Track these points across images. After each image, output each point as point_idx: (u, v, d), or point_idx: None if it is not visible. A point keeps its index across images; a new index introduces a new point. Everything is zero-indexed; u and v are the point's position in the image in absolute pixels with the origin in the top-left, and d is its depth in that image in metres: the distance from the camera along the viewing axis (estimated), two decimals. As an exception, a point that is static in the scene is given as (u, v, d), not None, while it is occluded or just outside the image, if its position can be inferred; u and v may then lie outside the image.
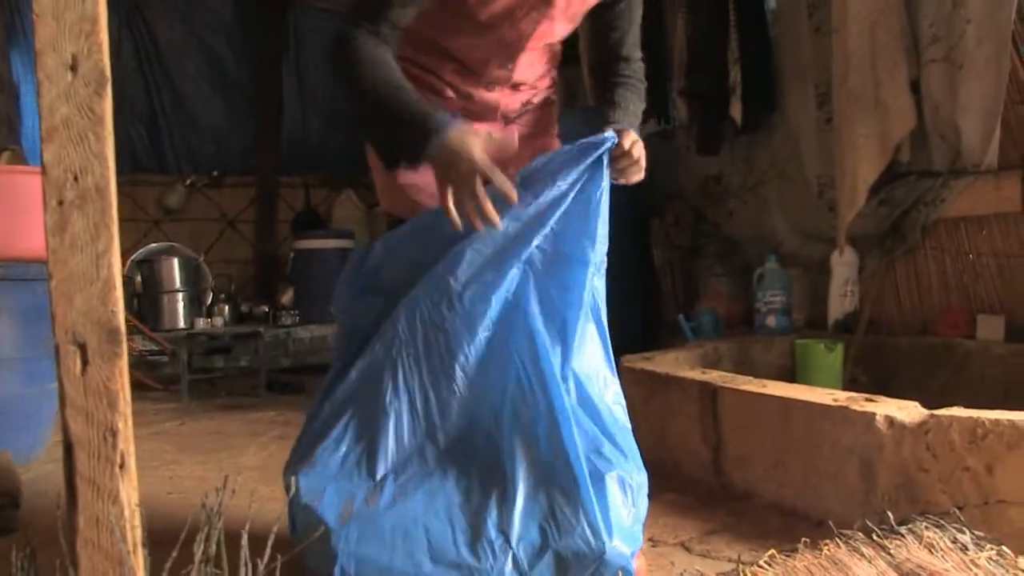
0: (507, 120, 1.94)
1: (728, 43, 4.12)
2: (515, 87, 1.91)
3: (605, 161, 1.66)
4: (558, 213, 1.63)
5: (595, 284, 1.67)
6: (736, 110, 4.09)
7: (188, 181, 6.24)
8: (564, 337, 1.64)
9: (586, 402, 1.65)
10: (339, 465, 1.61)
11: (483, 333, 1.62)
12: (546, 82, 2.01)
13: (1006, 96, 3.10)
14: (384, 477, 1.60)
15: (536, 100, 1.99)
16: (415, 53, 1.82)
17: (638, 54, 1.96)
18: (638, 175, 1.74)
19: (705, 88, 4.18)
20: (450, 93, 1.86)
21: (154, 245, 5.94)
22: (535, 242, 1.63)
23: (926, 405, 1.99)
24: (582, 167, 1.64)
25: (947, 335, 3.36)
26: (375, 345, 1.67)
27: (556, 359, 1.61)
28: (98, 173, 1.02)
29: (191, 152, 6.38)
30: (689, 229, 4.52)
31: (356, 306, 1.78)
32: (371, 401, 1.64)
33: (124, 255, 5.50)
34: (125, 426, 1.04)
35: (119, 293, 1.05)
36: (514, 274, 1.63)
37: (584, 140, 1.65)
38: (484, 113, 1.89)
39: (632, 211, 4.37)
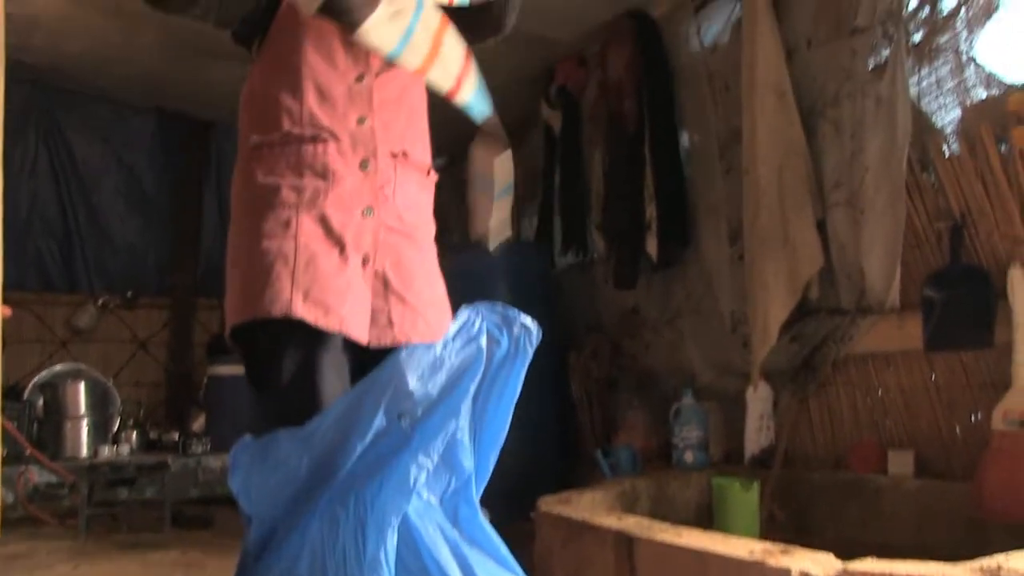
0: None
1: (644, 180, 4.23)
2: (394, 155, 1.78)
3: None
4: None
5: None
6: (652, 246, 4.18)
7: (100, 301, 6.03)
8: None
9: None
10: None
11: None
12: (427, 218, 1.92)
13: (903, 240, 3.25)
14: None
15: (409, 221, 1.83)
16: (274, 79, 1.73)
17: None
18: None
19: (621, 223, 4.26)
20: (325, 136, 1.69)
21: (59, 367, 5.66)
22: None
23: (841, 540, 2.00)
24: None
25: (860, 470, 3.39)
26: None
27: None
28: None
29: (104, 270, 6.19)
30: (607, 361, 4.53)
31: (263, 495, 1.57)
32: None
33: (26, 377, 5.34)
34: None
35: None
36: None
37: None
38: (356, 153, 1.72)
39: (551, 343, 4.33)
